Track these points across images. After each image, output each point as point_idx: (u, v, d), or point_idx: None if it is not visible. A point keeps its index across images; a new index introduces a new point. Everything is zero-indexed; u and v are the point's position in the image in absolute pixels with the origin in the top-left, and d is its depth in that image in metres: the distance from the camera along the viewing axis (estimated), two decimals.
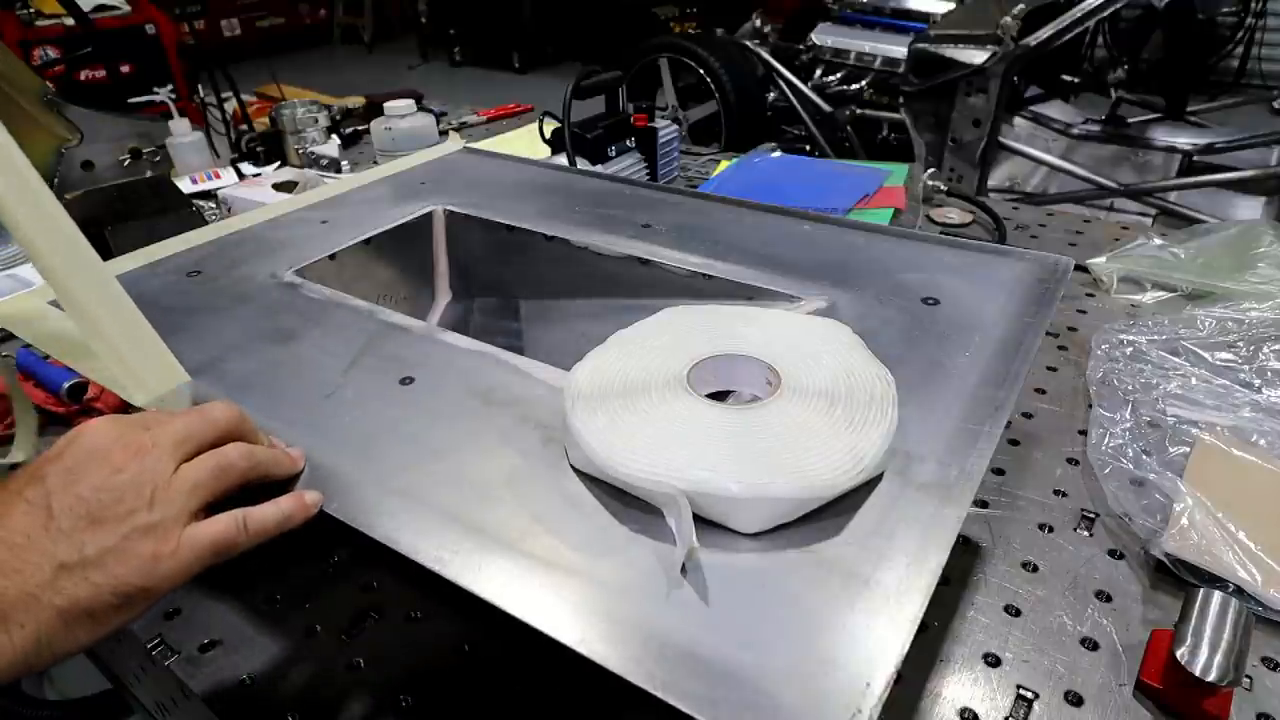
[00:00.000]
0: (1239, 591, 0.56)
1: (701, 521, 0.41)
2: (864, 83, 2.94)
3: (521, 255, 0.83)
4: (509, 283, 0.87)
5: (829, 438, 0.44)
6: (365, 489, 0.45)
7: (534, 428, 0.50)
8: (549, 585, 0.39)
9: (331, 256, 0.77)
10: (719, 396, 0.51)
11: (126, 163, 1.36)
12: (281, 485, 0.46)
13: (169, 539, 0.39)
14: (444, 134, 1.60)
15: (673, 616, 0.37)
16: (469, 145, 1.07)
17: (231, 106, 1.72)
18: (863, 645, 0.35)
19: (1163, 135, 2.40)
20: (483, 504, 0.44)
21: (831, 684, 0.33)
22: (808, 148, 2.94)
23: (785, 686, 0.33)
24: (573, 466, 0.46)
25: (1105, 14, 2.18)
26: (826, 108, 2.88)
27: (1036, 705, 0.51)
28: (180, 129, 1.44)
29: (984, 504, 0.67)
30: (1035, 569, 0.61)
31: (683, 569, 0.39)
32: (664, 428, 0.45)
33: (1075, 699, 0.52)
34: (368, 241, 0.80)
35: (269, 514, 0.43)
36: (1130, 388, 0.79)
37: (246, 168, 1.50)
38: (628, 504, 0.43)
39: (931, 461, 0.45)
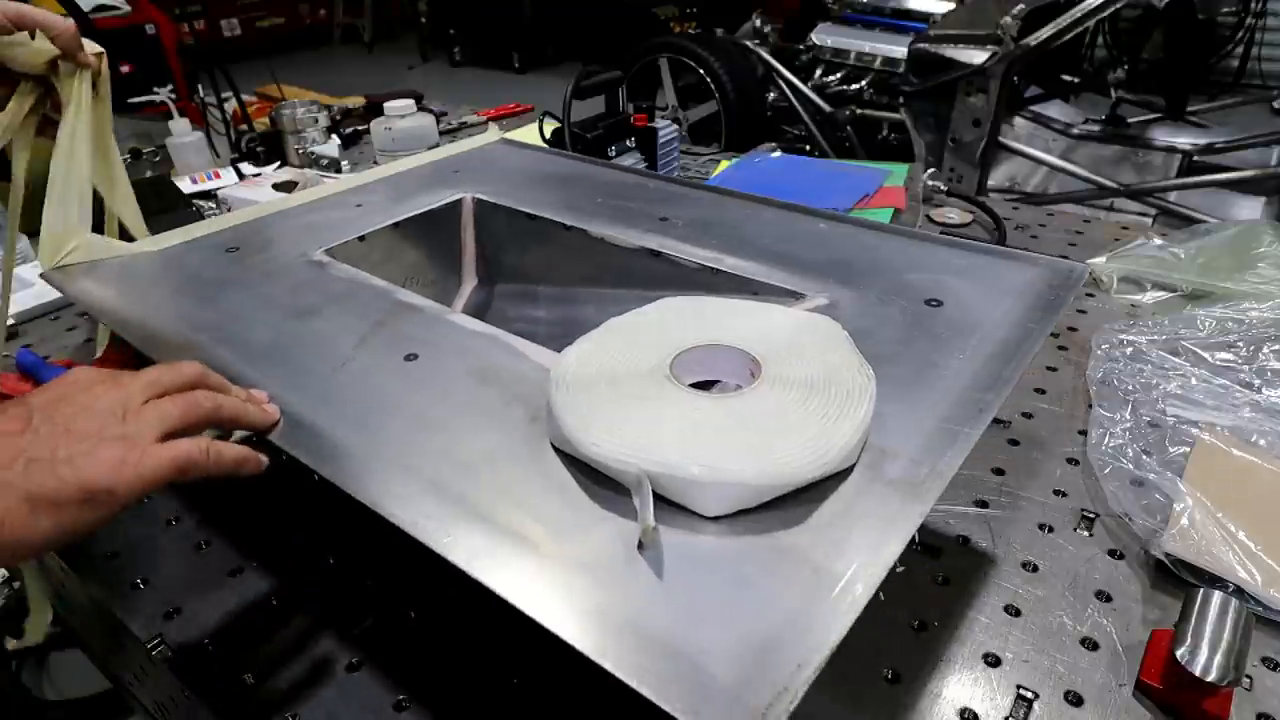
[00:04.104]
0: (1239, 591, 0.56)
1: (668, 503, 0.42)
2: (864, 83, 2.93)
3: (542, 244, 0.85)
4: (531, 270, 0.89)
5: (800, 428, 0.44)
6: (358, 456, 0.48)
7: (522, 407, 0.51)
8: (515, 554, 0.40)
9: (361, 238, 0.80)
10: (705, 386, 0.51)
11: (127, 163, 1.36)
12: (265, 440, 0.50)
13: (135, 449, 0.43)
14: (444, 134, 1.60)
15: (625, 591, 0.38)
16: (506, 136, 1.10)
17: (231, 106, 1.71)
18: (803, 629, 0.36)
19: (1163, 135, 2.40)
20: (464, 476, 0.46)
21: (766, 663, 0.34)
22: (808, 148, 2.94)
23: (722, 664, 0.34)
24: (553, 445, 0.47)
25: (1105, 14, 2.18)
26: (826, 108, 2.88)
27: (1036, 705, 0.51)
28: (180, 129, 1.44)
29: (984, 504, 0.67)
30: (1035, 569, 0.61)
31: (640, 546, 0.40)
32: (640, 411, 0.46)
33: (1075, 699, 0.51)
34: (396, 225, 0.84)
35: (229, 449, 0.47)
36: (1130, 388, 0.79)
37: (246, 168, 1.50)
38: (601, 483, 0.45)
39: (904, 459, 0.45)
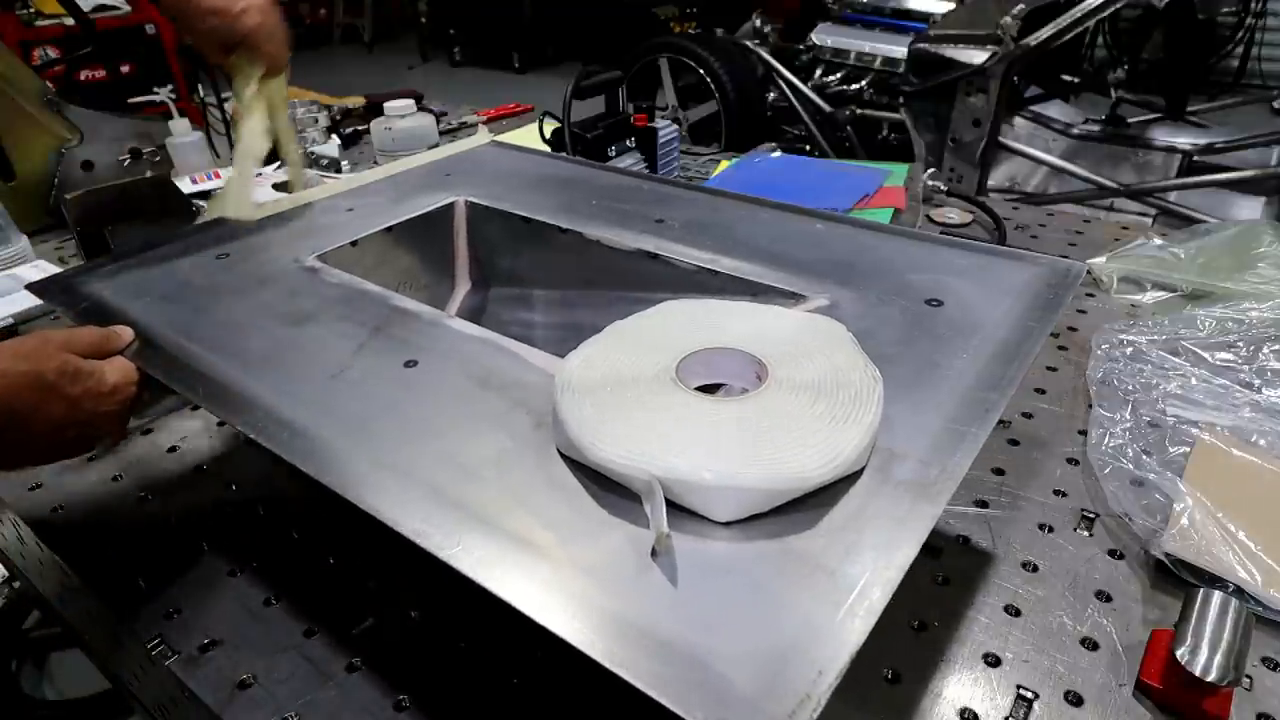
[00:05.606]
0: (1239, 591, 0.56)
1: (678, 508, 0.42)
2: (864, 83, 2.94)
3: (537, 247, 0.84)
4: (525, 273, 0.88)
5: (808, 432, 0.44)
6: (358, 463, 0.47)
7: (526, 412, 0.51)
8: (522, 561, 0.40)
9: (353, 243, 0.79)
10: (711, 390, 0.51)
11: (126, 163, 1.36)
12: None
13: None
14: (444, 134, 1.60)
15: (638, 597, 0.38)
16: (496, 139, 1.09)
17: (231, 106, 1.71)
18: (820, 634, 0.35)
19: (1163, 135, 2.40)
20: (468, 482, 0.45)
21: (785, 670, 0.34)
22: (808, 148, 2.94)
23: (740, 670, 0.34)
24: (559, 451, 0.47)
25: (1105, 14, 2.18)
26: (826, 108, 2.88)
27: (1036, 705, 0.51)
28: (180, 129, 1.44)
29: (984, 504, 0.67)
30: (1035, 569, 0.61)
31: (653, 552, 0.39)
32: (648, 416, 0.46)
33: (1075, 699, 0.51)
34: (389, 230, 0.83)
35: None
36: (1130, 388, 0.79)
37: None
38: (609, 489, 0.44)
39: (914, 460, 0.45)
